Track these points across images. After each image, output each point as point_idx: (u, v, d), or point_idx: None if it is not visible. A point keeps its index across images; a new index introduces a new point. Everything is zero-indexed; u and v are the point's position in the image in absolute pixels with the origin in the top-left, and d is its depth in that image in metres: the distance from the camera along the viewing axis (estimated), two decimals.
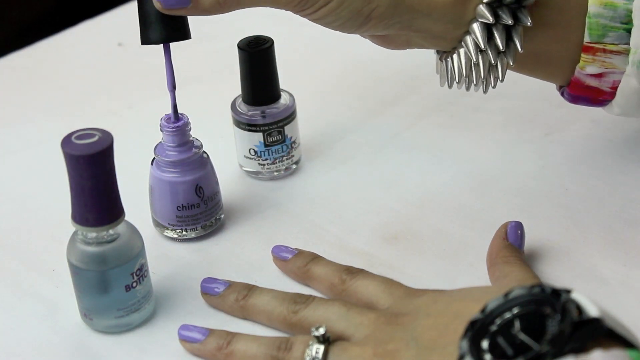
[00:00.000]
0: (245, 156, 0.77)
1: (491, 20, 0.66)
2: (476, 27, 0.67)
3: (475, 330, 0.50)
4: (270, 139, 0.76)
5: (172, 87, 0.69)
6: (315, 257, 0.67)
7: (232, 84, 0.79)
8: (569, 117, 0.83)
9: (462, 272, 0.68)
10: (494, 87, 0.69)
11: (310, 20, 0.68)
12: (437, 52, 0.72)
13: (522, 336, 0.49)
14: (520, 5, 0.67)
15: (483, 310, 0.51)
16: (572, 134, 0.80)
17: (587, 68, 0.68)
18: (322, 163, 0.80)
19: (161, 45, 0.68)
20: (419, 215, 0.73)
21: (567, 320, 0.47)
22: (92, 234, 0.61)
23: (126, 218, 0.62)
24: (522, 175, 0.77)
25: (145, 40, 0.68)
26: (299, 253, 0.68)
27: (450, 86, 0.71)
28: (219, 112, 0.82)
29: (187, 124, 0.69)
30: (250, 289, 0.65)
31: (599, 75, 0.69)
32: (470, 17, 0.67)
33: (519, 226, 0.67)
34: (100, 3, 1.17)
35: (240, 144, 0.77)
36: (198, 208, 0.71)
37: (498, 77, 0.69)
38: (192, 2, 0.66)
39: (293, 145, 0.78)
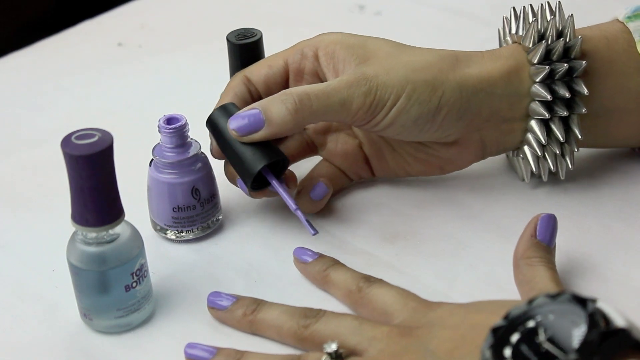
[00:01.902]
0: None
1: (547, 116, 0.69)
2: (534, 123, 0.70)
3: (498, 337, 0.49)
4: None
5: (295, 206, 0.68)
6: (335, 263, 0.66)
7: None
8: None
9: (461, 272, 0.68)
10: (564, 175, 0.73)
11: (380, 132, 0.69)
12: (507, 155, 0.76)
13: (547, 345, 0.48)
14: (572, 76, 0.69)
15: (506, 318, 0.50)
16: None
17: None
18: None
19: (259, 170, 0.67)
20: (418, 215, 0.73)
21: (594, 330, 0.47)
22: (92, 234, 0.61)
23: (126, 218, 0.62)
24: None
25: (248, 177, 0.67)
26: (319, 257, 0.67)
27: (528, 180, 0.74)
28: None
29: (184, 125, 0.69)
30: (258, 303, 0.63)
31: None
32: (528, 86, 0.69)
33: (550, 219, 0.65)
34: (100, 3, 1.17)
35: None
36: (194, 210, 0.71)
37: (568, 165, 0.72)
38: (266, 121, 0.67)
39: None
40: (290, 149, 0.73)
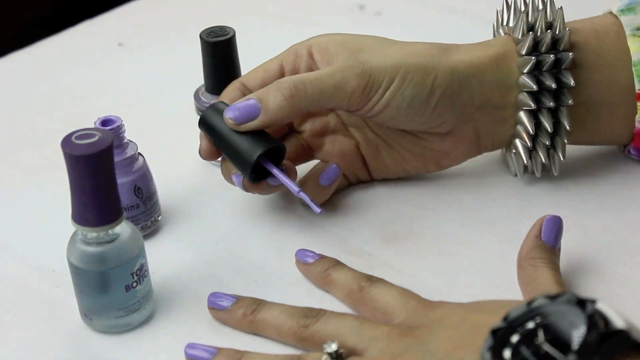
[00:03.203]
0: None
1: (532, 106, 0.70)
2: (522, 115, 0.71)
3: (497, 339, 0.49)
4: None
5: (298, 189, 0.68)
6: (337, 264, 0.67)
7: None
8: None
9: (461, 272, 0.68)
10: (557, 170, 0.73)
11: (375, 116, 0.69)
12: (501, 151, 0.76)
13: (547, 346, 0.48)
14: (560, 68, 0.70)
15: (505, 319, 0.50)
16: None
17: None
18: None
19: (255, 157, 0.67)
20: (419, 215, 0.73)
21: (594, 332, 0.47)
22: (92, 234, 0.61)
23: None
24: None
25: (247, 166, 0.67)
26: (321, 258, 0.67)
27: (520, 176, 0.74)
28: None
29: (120, 126, 0.69)
30: (258, 303, 0.63)
31: None
32: (516, 77, 0.70)
33: (555, 221, 0.65)
34: (100, 3, 1.17)
35: None
36: (138, 209, 0.71)
37: (560, 157, 0.72)
38: (262, 108, 0.67)
39: None
40: (286, 153, 0.73)
